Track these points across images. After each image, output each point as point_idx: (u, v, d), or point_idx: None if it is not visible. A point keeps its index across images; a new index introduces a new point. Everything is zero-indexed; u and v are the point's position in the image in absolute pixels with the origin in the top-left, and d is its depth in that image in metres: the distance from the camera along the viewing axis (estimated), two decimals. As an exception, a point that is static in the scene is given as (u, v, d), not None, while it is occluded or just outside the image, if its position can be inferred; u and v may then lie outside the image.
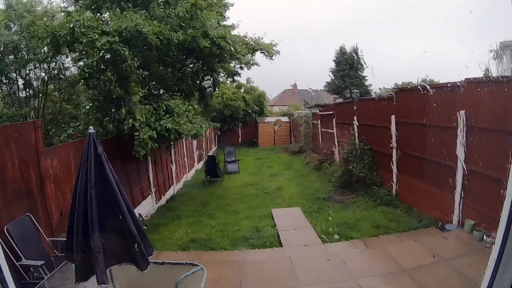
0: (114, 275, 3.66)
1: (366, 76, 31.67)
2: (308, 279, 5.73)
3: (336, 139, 14.45)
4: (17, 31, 10.73)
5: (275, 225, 8.52)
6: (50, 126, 11.00)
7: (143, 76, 8.42)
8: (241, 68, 11.97)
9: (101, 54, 7.56)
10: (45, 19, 8.52)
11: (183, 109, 9.10)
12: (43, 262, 4.50)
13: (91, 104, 9.09)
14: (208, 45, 9.01)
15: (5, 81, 11.29)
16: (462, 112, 6.65)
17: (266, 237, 7.73)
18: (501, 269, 1.74)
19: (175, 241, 7.88)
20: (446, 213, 7.15)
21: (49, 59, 9.56)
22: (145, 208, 10.02)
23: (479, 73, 6.48)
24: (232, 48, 9.80)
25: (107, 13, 8.46)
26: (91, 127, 3.50)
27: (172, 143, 9.67)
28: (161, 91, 10.61)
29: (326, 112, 16.64)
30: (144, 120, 8.06)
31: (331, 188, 11.67)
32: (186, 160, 16.02)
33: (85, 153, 3.29)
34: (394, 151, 9.37)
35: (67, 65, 11.94)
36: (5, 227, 4.54)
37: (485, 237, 5.96)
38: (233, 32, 10.78)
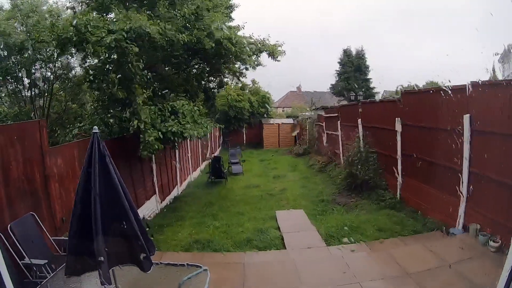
0: (117, 276, 3.65)
1: (370, 78, 31.69)
2: (312, 282, 5.69)
3: (340, 142, 14.40)
4: (23, 31, 10.77)
5: (279, 227, 8.49)
6: (55, 126, 11.03)
7: (148, 77, 8.43)
8: (246, 69, 11.96)
9: (107, 53, 7.57)
10: (49, 20, 8.52)
11: (188, 109, 9.10)
12: (46, 261, 4.50)
13: (96, 105, 9.13)
14: (213, 46, 9.00)
15: (10, 80, 11.32)
16: (468, 115, 6.58)
17: (269, 239, 7.69)
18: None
19: (179, 241, 7.86)
20: (450, 217, 7.07)
21: (54, 58, 9.59)
22: (149, 208, 10.02)
23: (485, 76, 6.44)
24: (238, 49, 9.79)
25: (113, 14, 8.48)
26: (95, 127, 3.50)
27: (176, 144, 9.67)
28: (167, 92, 10.61)
29: (331, 114, 16.60)
30: (150, 121, 8.07)
31: (335, 191, 11.63)
32: (190, 161, 16.03)
33: (89, 153, 3.28)
34: (399, 154, 9.30)
35: (72, 64, 11.99)
36: (9, 225, 4.54)
37: (490, 242, 5.89)
38: (239, 33, 10.79)
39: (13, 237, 4.54)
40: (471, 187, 6.64)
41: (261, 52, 11.18)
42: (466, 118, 6.57)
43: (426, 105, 8.30)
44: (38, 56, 10.92)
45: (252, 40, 11.05)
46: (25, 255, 4.56)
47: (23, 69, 10.79)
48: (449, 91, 7.17)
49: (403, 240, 7.15)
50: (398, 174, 9.39)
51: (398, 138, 9.26)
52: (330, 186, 12.45)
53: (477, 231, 6.28)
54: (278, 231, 8.20)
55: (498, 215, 5.94)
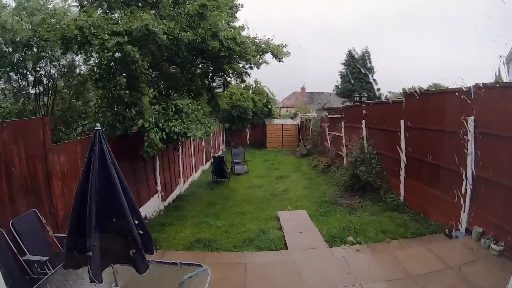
0: (118, 273, 3.64)
1: (375, 80, 31.64)
2: (313, 283, 5.68)
3: (344, 143, 14.37)
4: (29, 28, 10.80)
5: (281, 227, 8.46)
6: (59, 124, 11.05)
7: (153, 76, 8.43)
8: (251, 68, 11.93)
9: (111, 54, 7.58)
10: (53, 20, 8.55)
11: (192, 108, 9.09)
12: (47, 257, 4.50)
13: (100, 104, 9.14)
14: (217, 46, 8.99)
15: (15, 77, 11.37)
16: (472, 117, 6.55)
17: (271, 240, 7.67)
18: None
19: (180, 241, 7.85)
20: (454, 220, 7.04)
21: (59, 55, 9.62)
22: (151, 207, 10.03)
23: (489, 79, 6.40)
24: (242, 49, 9.78)
25: (117, 13, 8.48)
26: (98, 124, 3.48)
27: (180, 144, 9.67)
28: (170, 91, 10.60)
29: (335, 115, 16.56)
30: (154, 120, 8.07)
31: (338, 192, 11.60)
32: (193, 160, 16.03)
33: (91, 150, 3.28)
34: (403, 156, 9.26)
35: (77, 62, 12.01)
36: (11, 222, 4.55)
37: (492, 245, 5.85)
38: (243, 33, 10.77)
39: (15, 233, 4.55)
40: (474, 190, 6.60)
41: (265, 52, 11.15)
42: (471, 120, 6.54)
43: (430, 107, 8.27)
44: (43, 53, 10.95)
45: (257, 40, 11.02)
46: (26, 251, 4.57)
47: (28, 66, 10.82)
48: (454, 93, 7.13)
49: (405, 242, 7.12)
50: (402, 176, 9.35)
51: (402, 139, 9.22)
52: (333, 187, 12.41)
53: (480, 234, 6.25)
54: (280, 232, 8.17)
55: (502, 218, 5.91)
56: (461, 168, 6.81)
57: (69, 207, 5.58)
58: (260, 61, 11.15)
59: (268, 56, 11.29)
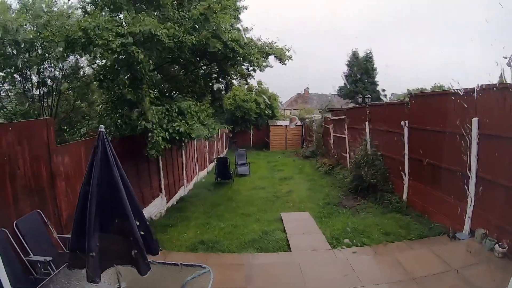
0: (121, 274, 3.65)
1: (378, 81, 31.61)
2: (316, 285, 5.67)
3: (347, 144, 14.35)
4: (33, 30, 10.88)
5: (285, 229, 8.46)
6: (63, 125, 11.11)
7: (158, 77, 8.46)
8: (254, 70, 11.95)
9: (115, 55, 7.61)
10: (58, 22, 8.61)
11: (195, 110, 9.11)
12: (51, 258, 4.50)
13: (105, 105, 9.19)
14: (221, 48, 9.01)
15: (19, 79, 11.44)
16: (476, 118, 6.52)
17: (274, 241, 7.66)
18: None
19: (183, 242, 7.87)
20: (457, 222, 7.00)
21: (64, 56, 9.68)
22: (155, 208, 10.05)
23: (494, 80, 6.36)
24: (245, 52, 9.80)
25: (122, 15, 8.52)
26: (101, 125, 3.51)
27: (184, 144, 9.69)
28: (174, 93, 10.63)
29: (338, 117, 16.54)
30: (157, 121, 8.09)
31: (341, 193, 11.58)
32: (197, 161, 16.07)
33: (95, 152, 3.29)
34: (406, 157, 9.24)
35: (81, 64, 12.08)
36: (15, 222, 4.58)
37: (496, 247, 5.82)
38: (247, 35, 10.78)
39: (19, 234, 4.57)
40: (478, 191, 6.57)
41: (268, 55, 11.16)
42: (474, 121, 6.50)
43: (433, 109, 8.24)
44: (47, 55, 11.01)
45: (260, 42, 11.04)
46: (30, 251, 4.59)
47: (32, 67, 10.90)
48: (457, 94, 7.10)
49: (409, 244, 7.09)
50: (405, 178, 9.32)
51: (405, 141, 9.19)
52: (337, 188, 12.40)
53: (484, 236, 6.22)
54: (283, 233, 8.17)
55: (505, 220, 5.87)
56: (465, 170, 6.78)
57: (73, 207, 5.61)
58: (263, 63, 11.15)
59: (271, 59, 11.31)
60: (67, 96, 12.64)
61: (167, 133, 8.14)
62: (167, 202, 11.16)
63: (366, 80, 31.48)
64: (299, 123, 29.30)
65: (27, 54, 10.97)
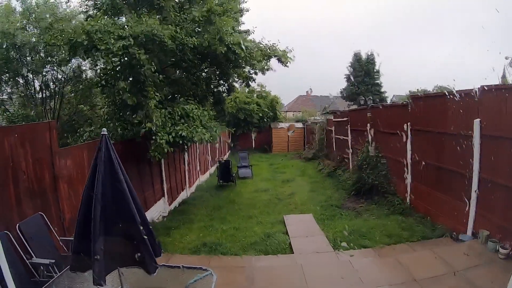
0: (124, 276, 3.66)
1: (381, 83, 31.59)
2: (319, 287, 5.65)
3: (350, 146, 14.34)
4: (36, 33, 10.93)
5: (287, 231, 8.45)
6: (65, 128, 11.15)
7: (160, 79, 8.48)
8: (256, 73, 11.96)
9: (117, 59, 7.64)
10: (62, 25, 8.64)
11: (198, 113, 9.13)
12: (54, 260, 4.52)
13: (108, 110, 9.22)
14: (223, 51, 9.03)
15: (21, 82, 11.49)
16: (477, 120, 6.51)
17: (277, 243, 7.66)
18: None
19: (186, 244, 7.88)
20: (460, 223, 6.97)
21: (67, 59, 9.72)
22: (157, 210, 10.06)
23: (495, 80, 6.35)
24: (247, 54, 9.82)
25: (124, 18, 8.56)
26: (104, 129, 3.52)
27: (186, 147, 9.70)
28: (176, 96, 10.65)
29: (340, 119, 16.54)
30: (161, 124, 8.12)
31: (344, 195, 11.56)
32: (199, 164, 16.08)
33: (97, 155, 3.31)
34: (408, 159, 9.22)
35: (84, 67, 12.12)
36: (17, 225, 4.60)
37: (499, 248, 5.80)
38: (248, 38, 10.80)
39: (22, 236, 4.59)
40: (481, 192, 6.55)
41: (270, 57, 11.17)
42: (476, 122, 6.49)
43: (435, 110, 8.22)
44: (50, 58, 11.06)
45: (262, 45, 11.06)
46: (33, 254, 4.61)
47: (35, 71, 10.95)
48: (459, 96, 7.09)
49: (411, 246, 7.07)
50: (407, 179, 9.30)
51: (408, 143, 9.18)
52: (339, 190, 12.39)
53: (487, 238, 6.19)
54: (286, 236, 8.15)
55: (508, 221, 5.85)
56: (467, 171, 6.76)
57: (76, 210, 5.64)
58: (265, 66, 11.17)
59: (273, 63, 11.32)
60: (70, 99, 12.68)
61: (170, 136, 8.16)
62: (170, 205, 11.16)
63: (368, 82, 31.46)
64: (300, 125, 29.29)
65: (30, 58, 11.01)
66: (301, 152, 25.42)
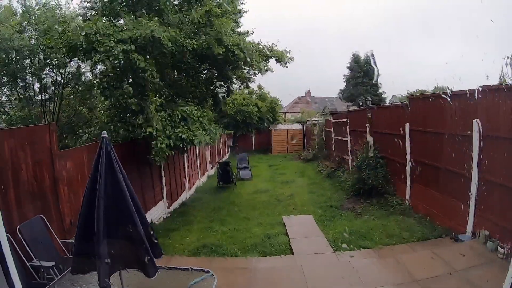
0: (124, 279, 3.66)
1: (380, 83, 31.54)
2: (319, 288, 5.67)
3: (349, 147, 14.35)
4: (35, 35, 10.94)
5: (287, 232, 8.45)
6: (65, 130, 11.16)
7: (159, 83, 8.48)
8: (255, 74, 11.98)
9: (116, 62, 7.64)
10: (57, 27, 8.64)
11: (198, 115, 9.13)
12: (54, 263, 4.53)
13: (107, 112, 9.23)
14: (222, 52, 9.04)
15: (20, 84, 11.49)
16: (477, 120, 6.52)
17: (277, 245, 7.66)
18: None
19: (186, 246, 7.87)
20: (459, 223, 7.00)
21: (66, 61, 9.73)
22: (157, 212, 10.05)
23: (495, 81, 6.36)
24: (246, 56, 9.83)
25: (122, 20, 8.56)
26: (104, 131, 3.52)
27: (186, 150, 9.71)
28: (175, 98, 10.66)
29: (340, 120, 16.55)
30: (161, 127, 8.12)
31: (343, 196, 11.57)
32: (199, 165, 16.07)
33: (97, 157, 3.31)
34: (408, 160, 9.23)
35: (83, 69, 12.13)
36: (18, 227, 4.59)
37: (499, 248, 5.81)
38: (247, 39, 10.83)
39: (22, 239, 4.58)
40: (480, 193, 6.57)
41: (269, 58, 11.19)
42: (475, 123, 6.51)
43: (434, 111, 8.24)
44: (49, 61, 11.07)
45: (261, 46, 11.07)
46: (33, 256, 4.60)
47: (34, 73, 10.95)
48: (458, 96, 7.11)
49: (411, 246, 7.08)
50: (407, 180, 9.31)
51: (407, 143, 9.20)
52: (339, 191, 12.40)
53: (486, 238, 6.20)
54: (286, 237, 8.16)
55: (507, 221, 5.86)
56: (467, 171, 6.78)
57: (76, 212, 5.65)
58: (264, 67, 11.18)
59: (272, 63, 11.34)
60: (69, 101, 12.68)
61: (170, 140, 8.16)
62: (169, 207, 11.16)
63: (367, 83, 31.42)
64: (299, 126, 29.32)
65: (29, 60, 11.02)
66: (300, 153, 25.41)
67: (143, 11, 8.98)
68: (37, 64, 11.02)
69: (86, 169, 6.39)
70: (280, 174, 18.31)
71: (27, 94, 11.73)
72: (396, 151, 9.79)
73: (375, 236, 7.71)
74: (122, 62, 7.79)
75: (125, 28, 7.99)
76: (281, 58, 11.10)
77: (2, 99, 12.03)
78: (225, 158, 24.00)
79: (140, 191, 8.75)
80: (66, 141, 9.73)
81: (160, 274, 3.74)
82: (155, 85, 8.40)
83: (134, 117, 8.22)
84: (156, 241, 3.70)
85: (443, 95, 7.65)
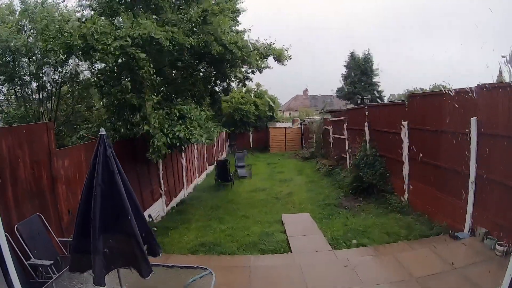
0: (122, 276, 3.65)
1: (378, 82, 31.53)
2: (318, 286, 5.66)
3: (347, 145, 14.35)
4: (33, 34, 10.89)
5: (285, 230, 8.46)
6: (62, 127, 11.13)
7: (157, 81, 8.46)
8: (253, 72, 11.97)
9: (115, 59, 7.62)
10: (55, 25, 8.57)
11: (195, 114, 9.11)
12: (52, 262, 4.51)
13: (105, 110, 9.20)
14: (220, 51, 9.02)
15: (18, 83, 11.44)
16: (474, 118, 6.53)
17: (275, 243, 7.67)
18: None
19: (184, 244, 7.88)
20: (458, 221, 7.00)
21: (63, 61, 9.68)
22: (155, 210, 10.05)
23: (491, 79, 6.37)
24: (244, 54, 9.81)
25: (120, 18, 8.53)
26: (102, 129, 3.50)
27: (183, 148, 9.70)
28: (173, 96, 10.64)
29: (337, 118, 16.55)
30: (158, 125, 8.10)
31: (341, 194, 11.58)
32: (197, 163, 16.06)
33: (95, 155, 3.29)
34: (406, 158, 9.24)
35: (81, 68, 12.09)
36: (15, 226, 4.57)
37: (497, 246, 5.82)
38: (245, 37, 10.81)
39: (20, 238, 4.57)
40: (478, 190, 6.57)
41: (267, 56, 11.18)
42: (473, 121, 6.51)
43: (432, 109, 8.25)
44: (46, 59, 11.02)
45: (259, 44, 11.06)
46: (31, 255, 4.58)
47: (31, 72, 10.91)
48: (456, 94, 7.11)
49: (409, 244, 7.09)
50: (405, 178, 9.32)
51: (405, 141, 9.20)
52: (337, 189, 12.40)
53: (484, 235, 6.21)
54: (284, 235, 8.18)
55: (505, 219, 5.87)
56: (465, 169, 6.78)
57: (74, 211, 5.63)
58: (262, 65, 11.17)
59: (270, 60, 11.32)
60: (67, 99, 12.64)
61: (167, 138, 8.14)
62: (168, 205, 11.15)
63: (365, 81, 31.40)
64: (299, 123, 29.34)
65: (27, 59, 10.98)
66: (298, 151, 25.41)
67: (141, 8, 8.94)
68: (35, 63, 10.97)
69: (84, 168, 6.38)
70: (278, 172, 18.32)
71: (25, 93, 11.69)
72: (394, 149, 9.80)
73: (374, 234, 7.73)
74: (121, 58, 7.77)
75: (122, 26, 7.97)
76: (279, 56, 11.09)
77: (0, 97, 11.97)
78: (223, 156, 23.98)
79: (138, 189, 8.74)
80: (63, 136, 9.68)
81: (158, 272, 3.73)
82: (152, 82, 8.37)
83: (131, 115, 8.20)
84: (154, 240, 3.69)
85: (441, 93, 7.66)
